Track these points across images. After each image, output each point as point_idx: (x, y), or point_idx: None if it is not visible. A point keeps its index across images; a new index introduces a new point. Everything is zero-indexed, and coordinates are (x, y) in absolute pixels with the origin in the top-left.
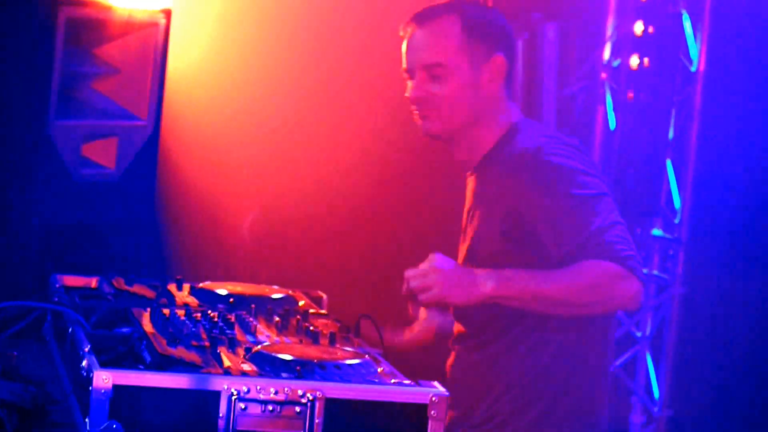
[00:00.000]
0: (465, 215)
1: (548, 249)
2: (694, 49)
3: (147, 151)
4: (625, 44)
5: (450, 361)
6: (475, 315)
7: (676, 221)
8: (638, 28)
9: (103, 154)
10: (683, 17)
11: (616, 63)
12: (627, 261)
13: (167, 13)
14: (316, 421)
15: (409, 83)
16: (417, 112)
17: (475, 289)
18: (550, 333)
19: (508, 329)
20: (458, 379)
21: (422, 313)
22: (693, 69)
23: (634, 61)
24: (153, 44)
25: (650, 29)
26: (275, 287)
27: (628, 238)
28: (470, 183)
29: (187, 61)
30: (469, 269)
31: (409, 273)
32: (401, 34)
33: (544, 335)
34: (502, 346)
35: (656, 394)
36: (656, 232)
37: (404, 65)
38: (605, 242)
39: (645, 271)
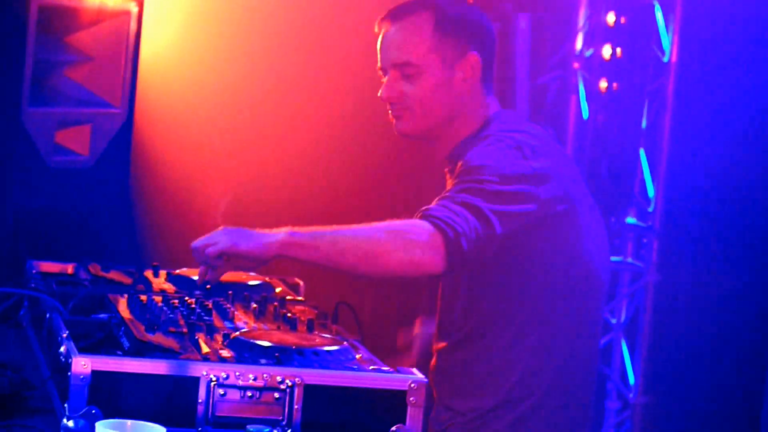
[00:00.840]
0: None
1: None
2: (666, 39)
3: (121, 137)
4: (597, 34)
5: (432, 362)
6: (455, 321)
7: (650, 210)
8: (610, 18)
9: (77, 141)
10: (655, 8)
11: (588, 53)
12: (444, 227)
13: (140, 2)
14: (295, 407)
15: (384, 81)
16: (390, 111)
17: (265, 238)
18: (532, 328)
19: (488, 328)
20: (440, 377)
21: (416, 327)
22: (665, 59)
23: (606, 51)
24: (125, 31)
25: (622, 19)
26: (252, 274)
27: (469, 218)
28: (448, 177)
29: (159, 48)
30: None
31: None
32: (376, 30)
33: (526, 332)
34: (486, 343)
35: (631, 380)
36: (630, 220)
37: (378, 63)
38: (462, 192)
39: (618, 258)
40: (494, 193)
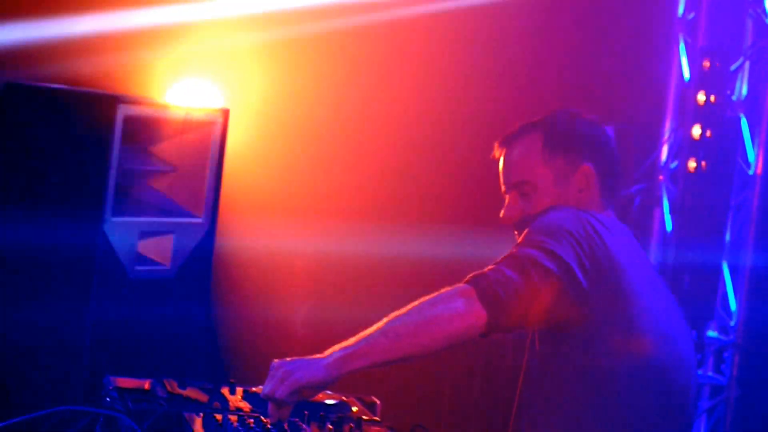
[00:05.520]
0: None
1: None
2: (752, 152)
3: (202, 248)
4: (682, 147)
5: None
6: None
7: (732, 324)
8: (696, 131)
9: (159, 251)
10: (741, 120)
11: (673, 165)
12: (473, 279)
13: (225, 113)
14: None
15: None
16: (516, 233)
17: (319, 361)
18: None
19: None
20: None
21: None
22: (750, 172)
23: (691, 164)
24: (209, 142)
25: (708, 132)
26: (328, 392)
27: (503, 268)
28: None
29: (243, 159)
30: None
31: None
32: (496, 155)
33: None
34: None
35: None
36: (711, 334)
37: (501, 187)
38: (519, 254)
39: (698, 372)
40: (535, 244)
